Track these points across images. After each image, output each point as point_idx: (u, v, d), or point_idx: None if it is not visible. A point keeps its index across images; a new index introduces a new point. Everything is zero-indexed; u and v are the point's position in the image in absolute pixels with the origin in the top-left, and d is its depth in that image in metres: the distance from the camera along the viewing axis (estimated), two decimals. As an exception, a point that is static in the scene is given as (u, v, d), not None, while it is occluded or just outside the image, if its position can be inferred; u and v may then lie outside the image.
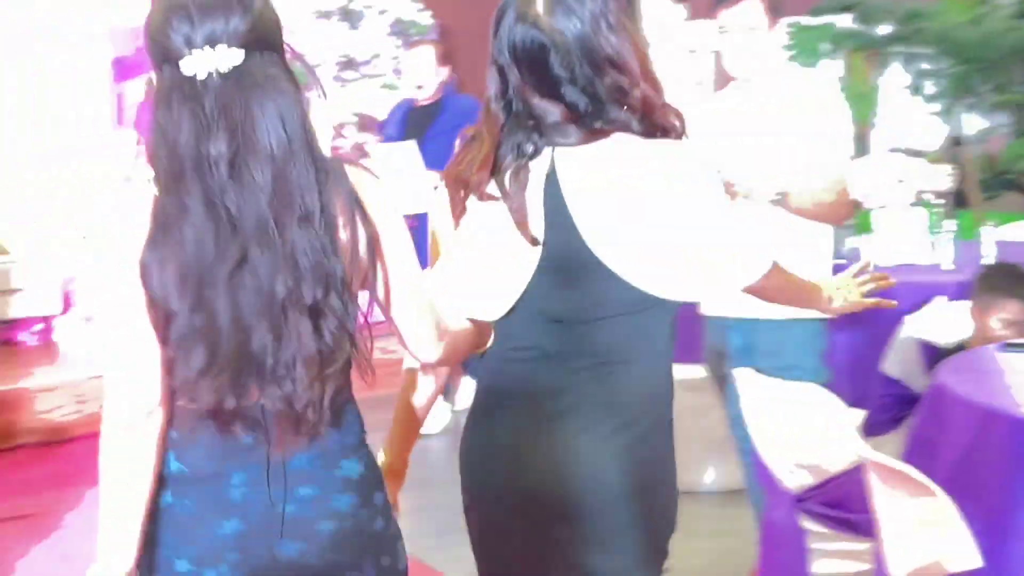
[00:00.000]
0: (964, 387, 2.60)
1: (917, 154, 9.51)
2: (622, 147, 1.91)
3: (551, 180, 1.92)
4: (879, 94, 9.85)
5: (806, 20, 9.77)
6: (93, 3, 7.21)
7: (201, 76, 1.59)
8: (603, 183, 1.89)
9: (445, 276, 2.02)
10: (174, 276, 1.58)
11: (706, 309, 3.41)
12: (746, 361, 3.28)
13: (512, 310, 1.97)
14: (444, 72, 5.53)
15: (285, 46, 1.68)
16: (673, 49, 7.78)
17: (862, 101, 9.77)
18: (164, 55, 1.62)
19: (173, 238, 1.59)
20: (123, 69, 7.89)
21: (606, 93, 1.87)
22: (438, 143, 5.04)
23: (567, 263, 1.92)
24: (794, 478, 2.78)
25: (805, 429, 2.71)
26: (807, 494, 2.75)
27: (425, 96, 5.52)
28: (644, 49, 1.90)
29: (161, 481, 1.70)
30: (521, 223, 1.91)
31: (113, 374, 1.65)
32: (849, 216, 3.41)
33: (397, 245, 1.73)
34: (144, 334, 1.61)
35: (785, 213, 3.09)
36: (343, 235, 1.65)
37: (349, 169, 1.69)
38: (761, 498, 3.03)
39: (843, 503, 2.69)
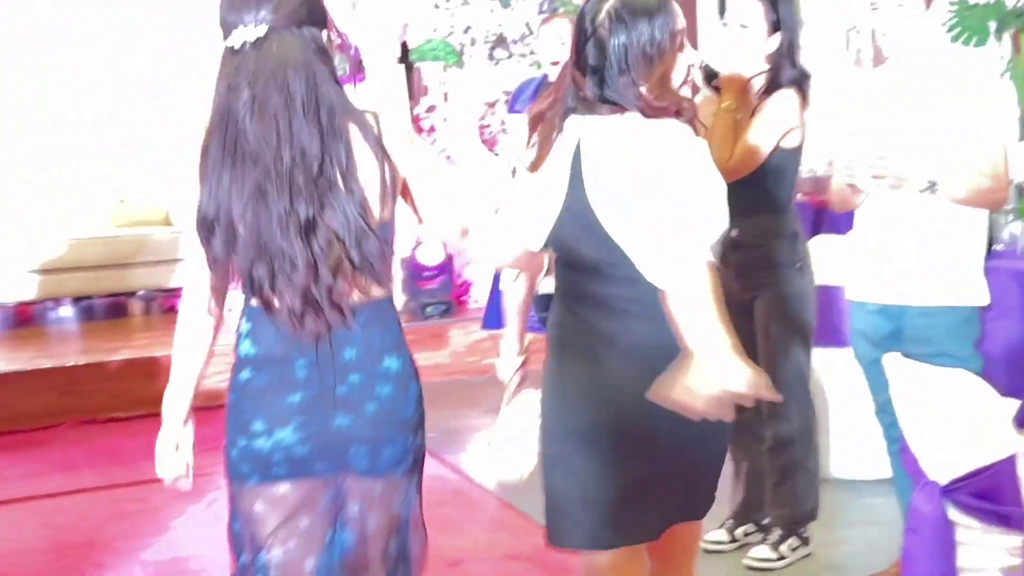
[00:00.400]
0: None
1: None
2: (629, 124, 2.30)
3: (578, 142, 2.33)
4: (1048, 75, 9.44)
5: (972, -2, 9.42)
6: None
7: (236, 47, 2.05)
8: (611, 148, 2.29)
9: (510, 207, 2.46)
10: (212, 203, 2.05)
11: (852, 294, 3.34)
12: (894, 347, 3.20)
13: (557, 258, 2.40)
14: None
15: (328, 31, 2.12)
16: (830, 26, 7.59)
17: (1030, 82, 9.38)
18: (223, 33, 2.09)
19: (212, 175, 2.05)
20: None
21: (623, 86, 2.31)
22: None
23: (581, 216, 2.29)
24: (943, 468, 2.71)
25: (956, 418, 2.64)
26: (956, 485, 2.68)
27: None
28: (668, 63, 2.32)
29: (240, 362, 2.15)
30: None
31: (188, 277, 2.20)
32: (1005, 201, 3.28)
33: (410, 164, 2.15)
34: (200, 262, 2.12)
35: (935, 200, 3.01)
36: (367, 169, 2.06)
37: (370, 116, 2.10)
38: (907, 487, 2.96)
39: (994, 495, 2.62)
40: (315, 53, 2.07)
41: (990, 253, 4.47)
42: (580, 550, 2.43)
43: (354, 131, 2.07)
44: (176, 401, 2.23)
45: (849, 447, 4.40)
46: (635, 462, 2.34)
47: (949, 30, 9.62)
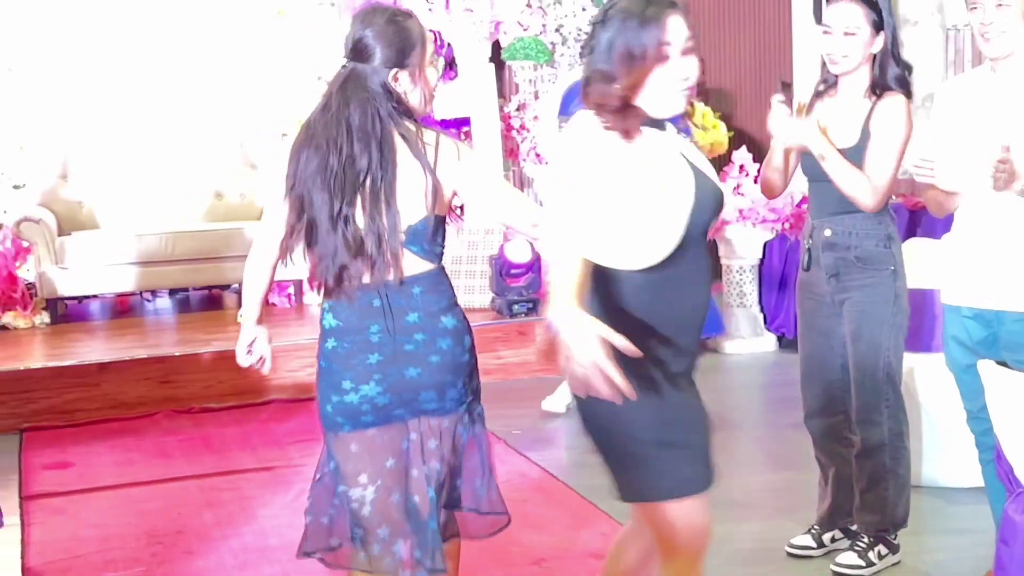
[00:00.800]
0: None
1: None
2: None
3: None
4: None
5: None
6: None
7: (341, 67, 2.68)
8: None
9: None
10: (291, 179, 2.65)
11: (946, 298, 3.27)
12: (988, 353, 3.13)
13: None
14: None
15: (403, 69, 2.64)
16: (928, 26, 7.44)
17: None
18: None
19: (294, 157, 2.66)
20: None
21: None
22: None
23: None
24: (1038, 478, 2.65)
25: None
26: (1052, 495, 2.61)
27: None
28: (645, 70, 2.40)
29: (325, 333, 2.68)
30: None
31: (264, 228, 2.79)
32: None
33: (468, 183, 2.69)
34: (276, 215, 2.72)
35: None
36: (412, 180, 2.60)
37: (442, 139, 2.66)
38: (1001, 496, 2.89)
39: (1091, 507, 2.55)
40: (381, 87, 2.63)
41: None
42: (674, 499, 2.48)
43: (403, 150, 2.60)
44: (249, 310, 2.88)
45: (942, 454, 4.30)
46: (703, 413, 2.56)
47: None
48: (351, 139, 2.58)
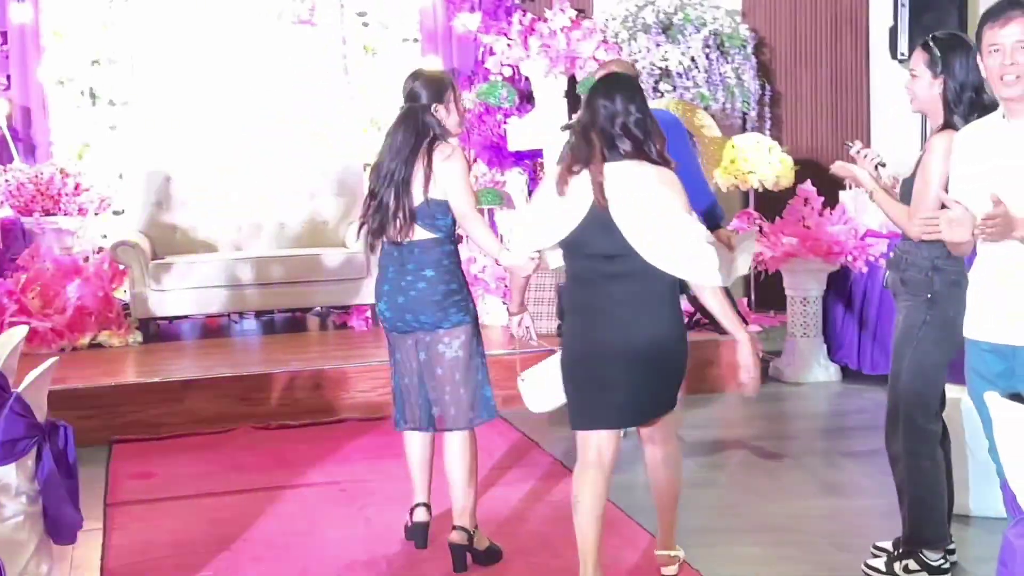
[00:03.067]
0: None
1: None
2: (634, 166, 3.53)
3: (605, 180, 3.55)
4: None
5: None
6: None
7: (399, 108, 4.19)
8: (625, 184, 3.51)
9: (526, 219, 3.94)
10: (371, 185, 4.15)
11: (967, 331, 3.39)
12: (1006, 386, 3.24)
13: (570, 252, 3.66)
14: None
15: (443, 101, 4.09)
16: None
17: None
18: None
19: (374, 174, 4.14)
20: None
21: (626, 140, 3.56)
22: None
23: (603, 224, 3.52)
24: (1037, 505, 2.76)
25: (1048, 457, 2.68)
26: (1049, 522, 2.72)
27: None
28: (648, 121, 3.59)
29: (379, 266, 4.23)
30: (599, 195, 3.52)
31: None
32: None
33: (451, 190, 4.01)
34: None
35: None
36: (419, 181, 4.00)
37: (445, 146, 4.04)
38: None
39: (1085, 534, 2.65)
40: (423, 118, 4.05)
41: None
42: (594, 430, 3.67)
43: (420, 162, 3.99)
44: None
45: (991, 485, 4.37)
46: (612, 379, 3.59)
47: None
48: (393, 151, 4.03)
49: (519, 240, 3.80)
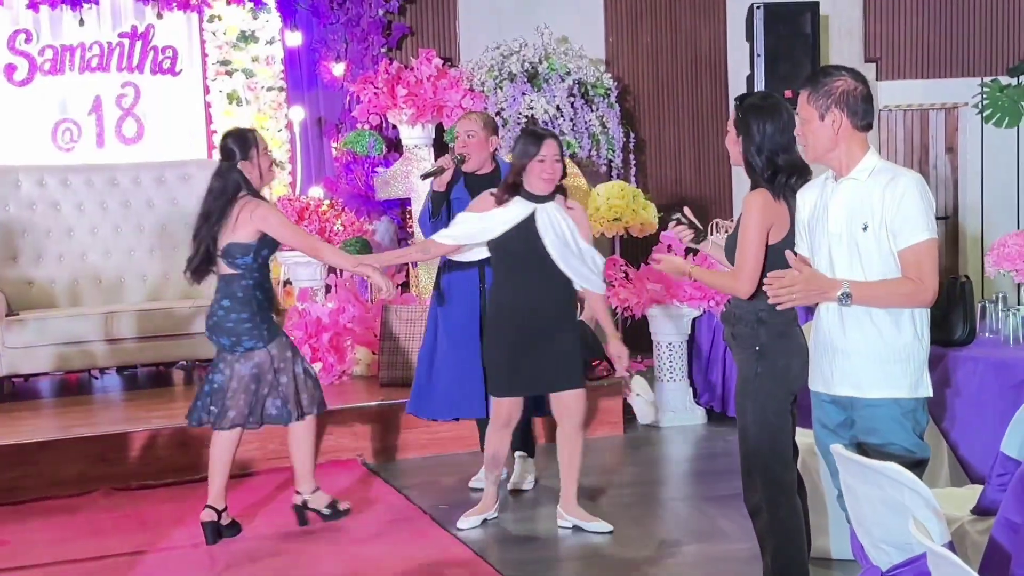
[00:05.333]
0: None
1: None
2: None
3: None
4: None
5: (1004, 79, 9.50)
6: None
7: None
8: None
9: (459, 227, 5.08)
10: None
11: (811, 383, 3.49)
12: (847, 435, 3.35)
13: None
14: (495, 141, 5.52)
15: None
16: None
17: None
18: None
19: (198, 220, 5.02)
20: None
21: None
22: None
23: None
24: (882, 554, 2.84)
25: (891, 508, 2.77)
26: (893, 571, 2.80)
27: (474, 167, 5.45)
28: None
29: None
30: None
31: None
32: (933, 299, 3.37)
33: (280, 236, 4.98)
34: None
35: None
36: (225, 227, 4.90)
37: (245, 204, 4.90)
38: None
39: (928, 581, 2.73)
40: (231, 176, 4.91)
41: (970, 341, 4.61)
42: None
43: (227, 212, 4.82)
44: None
45: (848, 527, 4.48)
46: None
47: (980, 111, 9.74)
48: (208, 203, 4.87)
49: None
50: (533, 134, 4.97)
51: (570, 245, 4.89)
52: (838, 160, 3.35)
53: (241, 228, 4.79)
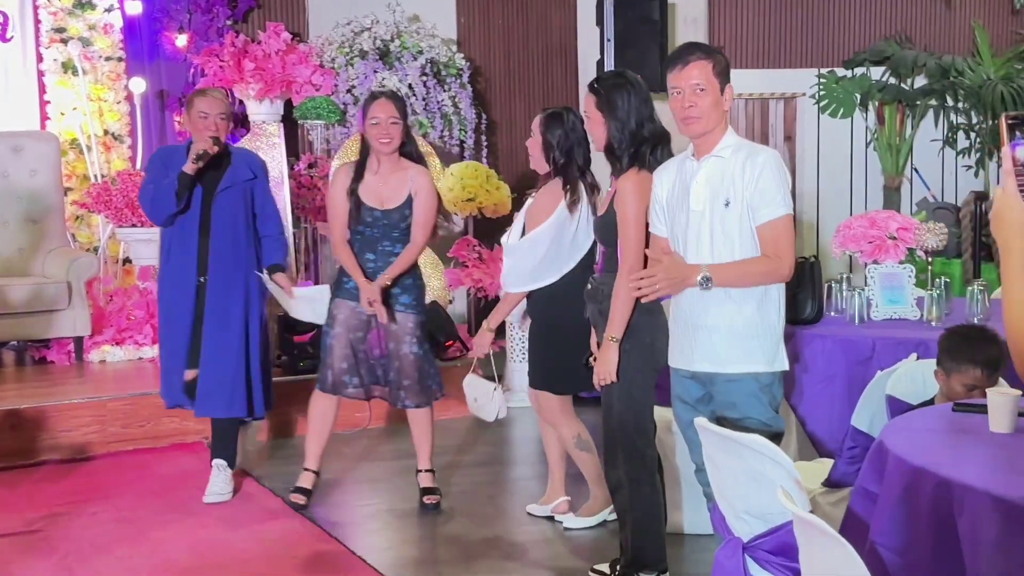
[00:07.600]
0: (900, 445, 2.69)
1: (946, 207, 9.54)
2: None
3: None
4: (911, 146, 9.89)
5: (840, 71, 9.84)
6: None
7: None
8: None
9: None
10: None
11: (670, 360, 3.53)
12: (706, 410, 3.40)
13: None
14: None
15: None
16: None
17: (895, 153, 9.83)
18: None
19: None
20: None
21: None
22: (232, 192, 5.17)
23: None
24: (744, 525, 2.88)
25: (753, 479, 2.81)
26: (755, 541, 2.85)
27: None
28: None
29: None
30: None
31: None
32: (789, 275, 3.45)
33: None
34: None
35: None
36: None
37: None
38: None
39: (787, 551, 2.79)
40: None
41: (818, 319, 4.74)
42: None
43: None
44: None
45: (701, 502, 4.56)
46: None
47: (817, 102, 10.08)
48: None
49: None
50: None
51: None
52: (703, 137, 3.38)
53: None
